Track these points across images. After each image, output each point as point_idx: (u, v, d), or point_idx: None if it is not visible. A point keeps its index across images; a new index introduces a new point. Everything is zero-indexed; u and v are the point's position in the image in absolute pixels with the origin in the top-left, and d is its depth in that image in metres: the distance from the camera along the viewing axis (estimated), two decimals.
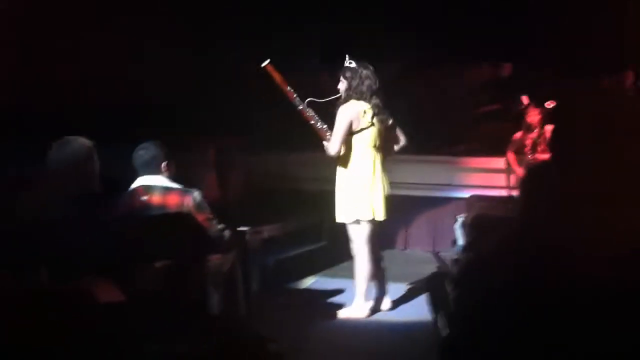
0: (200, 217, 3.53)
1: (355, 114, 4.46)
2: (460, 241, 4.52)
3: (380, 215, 4.53)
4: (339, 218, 4.63)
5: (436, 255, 4.75)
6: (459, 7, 7.81)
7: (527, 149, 5.78)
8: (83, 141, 3.17)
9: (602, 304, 1.19)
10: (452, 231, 5.33)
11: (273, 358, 3.70)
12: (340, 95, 4.54)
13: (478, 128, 7.94)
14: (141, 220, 3.39)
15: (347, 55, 4.59)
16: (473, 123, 7.85)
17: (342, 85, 4.55)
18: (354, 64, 4.52)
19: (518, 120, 6.10)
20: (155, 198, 3.56)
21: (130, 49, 7.10)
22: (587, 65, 7.32)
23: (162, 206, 3.53)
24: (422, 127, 6.47)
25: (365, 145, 4.51)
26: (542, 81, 7.17)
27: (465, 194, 6.05)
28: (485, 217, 3.58)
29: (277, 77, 4.56)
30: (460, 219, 4.81)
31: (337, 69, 4.64)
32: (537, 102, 5.91)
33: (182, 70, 7.46)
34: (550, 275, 1.25)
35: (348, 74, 4.52)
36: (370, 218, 4.51)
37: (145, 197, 3.55)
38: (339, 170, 4.62)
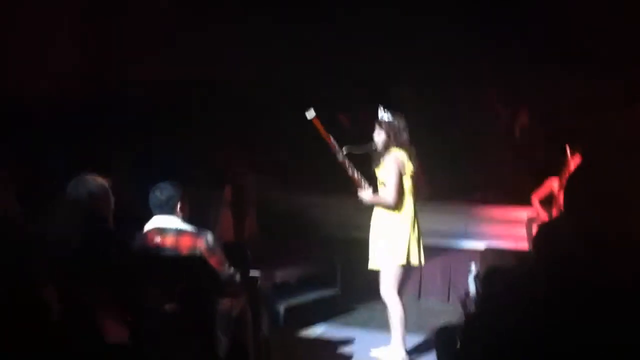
0: (212, 260, 3.53)
1: (402, 163, 4.66)
2: (473, 293, 4.46)
3: (417, 261, 4.69)
4: (375, 264, 4.72)
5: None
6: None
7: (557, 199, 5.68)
8: (100, 180, 3.21)
9: None
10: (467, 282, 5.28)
11: None
12: (376, 146, 4.72)
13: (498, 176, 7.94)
14: (153, 262, 3.39)
15: (381, 106, 4.76)
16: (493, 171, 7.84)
17: (380, 136, 4.71)
18: (390, 116, 4.69)
19: (557, 171, 6.03)
20: (169, 240, 3.57)
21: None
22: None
23: (175, 249, 3.54)
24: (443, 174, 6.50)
25: (407, 192, 4.67)
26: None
27: (481, 243, 6.01)
28: (499, 271, 3.52)
29: (321, 129, 4.71)
30: (474, 271, 4.75)
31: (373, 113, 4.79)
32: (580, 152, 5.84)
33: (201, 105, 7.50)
34: (560, 335, 1.23)
35: (385, 126, 4.68)
36: (413, 263, 4.67)
37: (158, 239, 3.57)
38: (379, 216, 4.73)
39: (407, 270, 4.73)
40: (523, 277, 2.64)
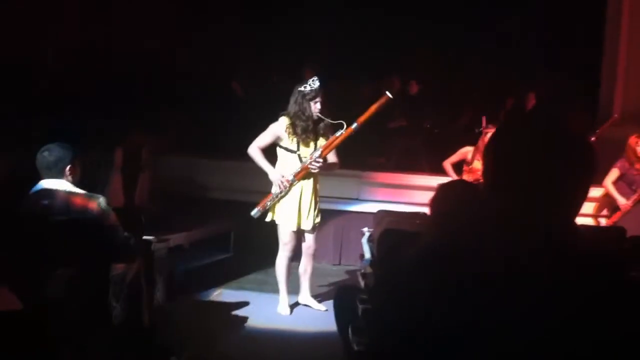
0: (104, 224, 3.40)
1: None
2: (368, 255, 4.56)
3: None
4: (307, 225, 4.91)
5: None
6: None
7: (477, 167, 5.92)
8: None
9: (509, 321, 1.21)
10: (358, 245, 5.40)
11: None
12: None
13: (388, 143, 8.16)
14: (42, 225, 3.23)
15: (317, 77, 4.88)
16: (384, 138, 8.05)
17: (319, 105, 4.80)
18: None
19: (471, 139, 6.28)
20: (58, 203, 3.39)
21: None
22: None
23: (65, 211, 3.37)
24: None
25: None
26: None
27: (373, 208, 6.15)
28: (394, 232, 3.62)
29: (375, 107, 4.84)
30: (368, 233, 4.84)
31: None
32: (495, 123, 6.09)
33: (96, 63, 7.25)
34: (464, 292, 1.26)
35: (323, 96, 4.82)
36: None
37: (46, 202, 3.39)
38: (310, 182, 4.90)
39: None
40: (415, 235, 2.73)
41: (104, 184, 5.49)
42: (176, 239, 5.26)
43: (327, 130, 4.86)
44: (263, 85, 8.34)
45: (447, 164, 6.31)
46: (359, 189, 6.86)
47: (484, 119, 6.48)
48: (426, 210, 2.70)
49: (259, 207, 4.83)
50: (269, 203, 4.82)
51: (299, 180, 4.80)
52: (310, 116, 4.74)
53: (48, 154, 3.44)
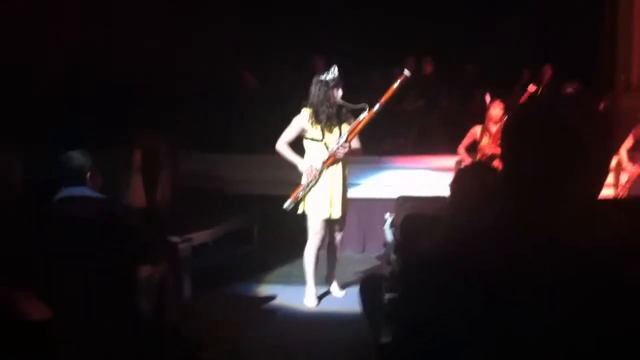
0: (127, 228, 3.43)
1: None
2: (390, 241, 4.55)
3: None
4: (336, 214, 4.95)
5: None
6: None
7: (492, 143, 5.86)
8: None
9: (537, 300, 1.21)
10: (381, 231, 5.39)
11: None
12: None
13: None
14: (65, 233, 3.26)
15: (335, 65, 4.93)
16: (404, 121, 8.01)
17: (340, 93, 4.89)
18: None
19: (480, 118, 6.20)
20: (80, 209, 3.43)
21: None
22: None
23: (87, 218, 3.40)
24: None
25: None
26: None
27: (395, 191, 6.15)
28: (416, 217, 3.62)
29: (395, 87, 4.89)
30: (390, 220, 4.83)
31: None
32: (500, 97, 6.02)
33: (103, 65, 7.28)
34: (493, 273, 1.26)
35: (342, 83, 4.89)
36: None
37: (68, 209, 3.42)
38: (338, 169, 4.96)
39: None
40: (437, 220, 2.71)
41: (125, 187, 5.53)
42: (200, 236, 5.29)
43: (349, 116, 4.94)
44: (273, 75, 8.33)
45: (461, 149, 6.24)
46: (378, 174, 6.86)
47: (487, 95, 6.39)
48: (446, 194, 2.68)
49: (291, 199, 4.88)
50: (300, 194, 4.88)
51: (327, 168, 4.86)
52: (334, 103, 4.81)
53: (68, 162, 3.47)
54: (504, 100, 5.99)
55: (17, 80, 6.14)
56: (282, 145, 4.96)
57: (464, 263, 1.28)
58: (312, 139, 4.89)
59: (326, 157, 4.84)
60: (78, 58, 7.03)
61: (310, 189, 4.87)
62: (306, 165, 4.88)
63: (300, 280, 5.19)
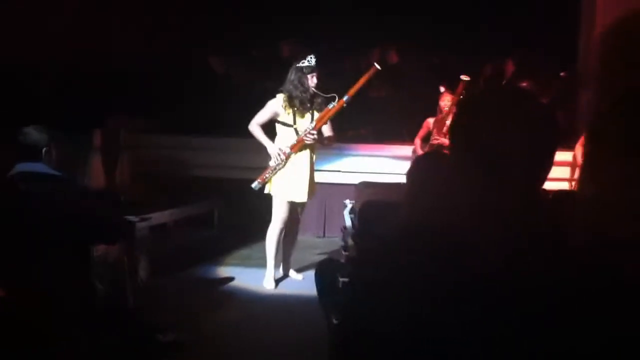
0: (84, 206, 3.38)
1: None
2: (349, 226, 4.58)
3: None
4: (302, 197, 5.05)
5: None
6: None
7: (436, 134, 5.93)
8: None
9: (488, 289, 1.23)
10: (341, 216, 5.43)
11: (163, 349, 3.65)
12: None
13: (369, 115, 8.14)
14: (19, 210, 3.21)
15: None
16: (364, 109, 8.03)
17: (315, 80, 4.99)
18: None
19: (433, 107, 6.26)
20: (36, 186, 3.37)
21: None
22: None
23: (43, 195, 3.34)
24: None
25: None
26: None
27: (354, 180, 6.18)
28: (375, 204, 3.64)
29: (364, 79, 5.03)
30: (350, 205, 4.86)
31: None
32: (451, 88, 6.08)
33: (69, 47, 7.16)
34: (444, 261, 1.28)
35: (318, 71, 5.00)
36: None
37: (24, 186, 3.36)
38: (306, 154, 5.04)
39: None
40: (395, 207, 2.74)
41: (83, 166, 5.47)
42: (158, 217, 5.26)
43: (322, 104, 5.03)
44: (242, 60, 8.30)
45: (417, 139, 6.30)
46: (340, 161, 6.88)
47: (441, 86, 6.45)
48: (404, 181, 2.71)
49: (258, 180, 4.96)
50: (267, 176, 4.96)
51: (295, 152, 4.95)
52: (308, 88, 4.93)
53: (24, 137, 3.40)
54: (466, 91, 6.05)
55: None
56: (254, 127, 5.02)
57: (418, 249, 1.30)
58: (283, 123, 5.00)
59: (294, 141, 4.94)
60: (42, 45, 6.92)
61: (277, 171, 4.95)
62: (274, 148, 4.96)
63: (260, 263, 5.21)
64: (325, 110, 4.97)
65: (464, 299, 1.21)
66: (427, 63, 8.62)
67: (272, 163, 4.96)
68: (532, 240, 1.25)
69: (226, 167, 6.55)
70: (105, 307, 3.57)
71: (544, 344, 1.16)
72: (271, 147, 4.98)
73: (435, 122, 6.09)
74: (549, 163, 1.34)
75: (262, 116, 5.03)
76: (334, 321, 2.57)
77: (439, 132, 5.91)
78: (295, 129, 4.97)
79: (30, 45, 6.54)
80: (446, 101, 6.00)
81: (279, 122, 5.02)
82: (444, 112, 5.96)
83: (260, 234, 5.18)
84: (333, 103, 4.95)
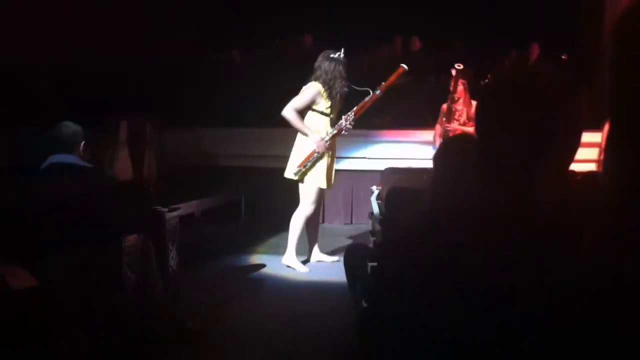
0: (114, 198, 3.44)
1: None
2: (377, 213, 4.58)
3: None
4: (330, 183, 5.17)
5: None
6: None
7: (449, 120, 5.92)
8: None
9: (513, 279, 1.23)
10: (368, 203, 5.43)
11: (192, 337, 3.69)
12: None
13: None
14: (53, 201, 3.27)
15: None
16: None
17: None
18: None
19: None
20: (67, 177, 3.43)
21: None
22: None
23: (76, 186, 3.41)
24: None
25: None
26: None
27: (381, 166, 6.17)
28: (401, 190, 3.64)
29: (394, 77, 5.16)
30: (376, 191, 4.87)
31: None
32: (462, 73, 6.04)
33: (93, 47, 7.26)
34: (470, 249, 1.28)
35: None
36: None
37: (57, 177, 3.43)
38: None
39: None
40: (422, 192, 2.74)
41: (111, 160, 5.54)
42: (187, 207, 5.31)
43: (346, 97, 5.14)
44: (266, 52, 8.33)
45: (437, 126, 6.25)
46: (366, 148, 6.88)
47: (452, 70, 6.41)
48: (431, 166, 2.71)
49: (299, 167, 5.02)
50: (308, 163, 5.02)
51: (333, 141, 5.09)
52: (347, 80, 5.00)
53: (60, 130, 3.47)
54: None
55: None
56: (291, 113, 5.00)
57: (443, 235, 1.30)
58: (320, 112, 5.03)
59: (334, 131, 5.02)
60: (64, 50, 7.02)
61: (317, 160, 5.01)
62: (317, 136, 4.98)
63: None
64: (362, 102, 5.07)
65: (490, 284, 1.21)
66: (448, 52, 8.57)
67: (317, 149, 4.97)
68: (563, 222, 1.24)
69: (252, 156, 6.61)
70: (135, 295, 3.63)
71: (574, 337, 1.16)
72: (313, 136, 4.99)
73: (450, 108, 6.03)
74: (576, 144, 1.33)
75: (300, 102, 5.01)
76: (363, 304, 2.59)
77: (449, 120, 5.90)
78: (331, 119, 5.04)
79: (32, 45, 6.64)
80: (457, 87, 5.98)
81: (315, 110, 5.04)
82: (457, 99, 5.96)
83: (287, 222, 5.21)
84: (368, 96, 5.07)
